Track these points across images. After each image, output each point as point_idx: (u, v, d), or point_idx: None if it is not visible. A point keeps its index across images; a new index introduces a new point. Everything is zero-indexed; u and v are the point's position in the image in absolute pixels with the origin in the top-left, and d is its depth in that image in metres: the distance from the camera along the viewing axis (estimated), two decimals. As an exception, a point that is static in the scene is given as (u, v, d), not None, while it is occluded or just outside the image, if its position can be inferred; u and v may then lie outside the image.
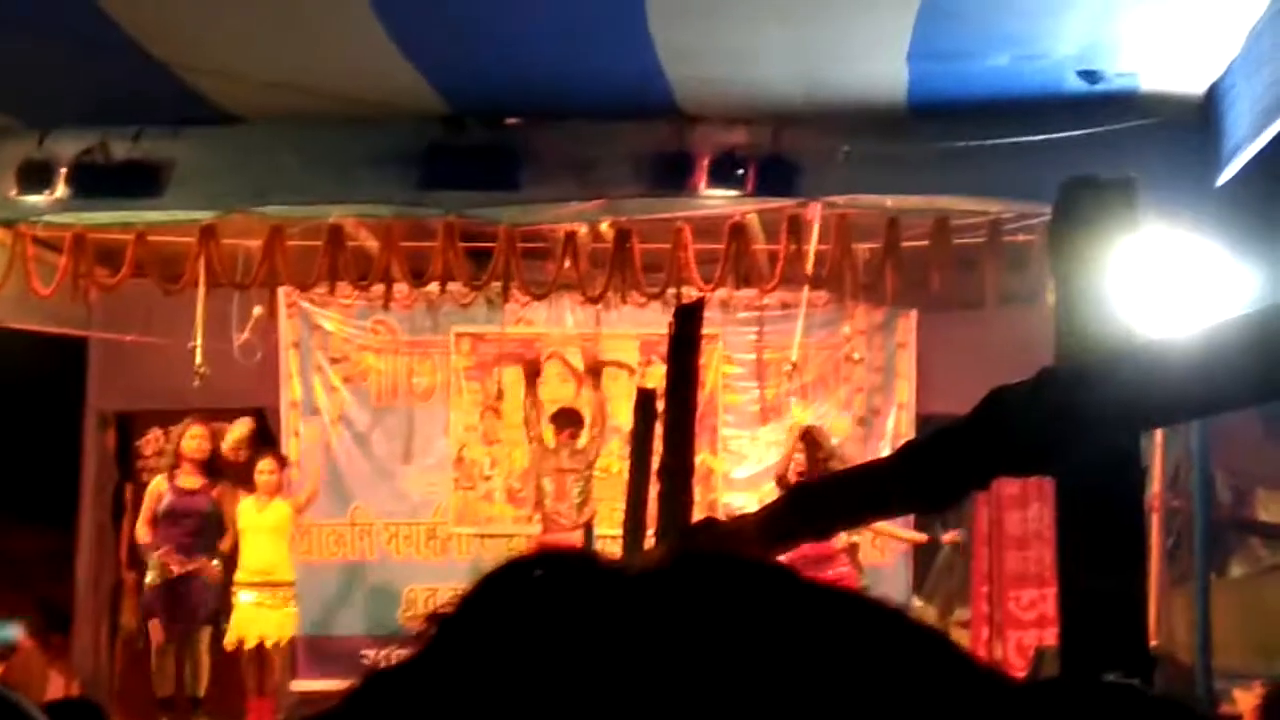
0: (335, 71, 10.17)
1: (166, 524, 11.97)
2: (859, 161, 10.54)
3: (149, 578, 12.01)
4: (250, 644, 12.02)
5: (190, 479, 12.02)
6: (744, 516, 4.13)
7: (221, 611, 12.10)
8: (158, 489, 12.07)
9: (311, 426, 13.25)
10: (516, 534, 12.81)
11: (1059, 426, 2.34)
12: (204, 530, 12.04)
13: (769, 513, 3.86)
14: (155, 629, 11.97)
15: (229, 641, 11.99)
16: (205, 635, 11.98)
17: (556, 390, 13.21)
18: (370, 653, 13.01)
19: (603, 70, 10.13)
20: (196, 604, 11.94)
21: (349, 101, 10.42)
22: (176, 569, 11.88)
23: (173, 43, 9.76)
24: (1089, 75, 9.83)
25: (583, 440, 12.47)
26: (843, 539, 11.30)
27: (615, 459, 12.95)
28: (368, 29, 9.38)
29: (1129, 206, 2.64)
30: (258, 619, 12.07)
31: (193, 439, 12.14)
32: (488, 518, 13.25)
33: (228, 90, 10.45)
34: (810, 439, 11.51)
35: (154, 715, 11.85)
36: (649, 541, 5.85)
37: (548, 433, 12.52)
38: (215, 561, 12.02)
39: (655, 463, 5.58)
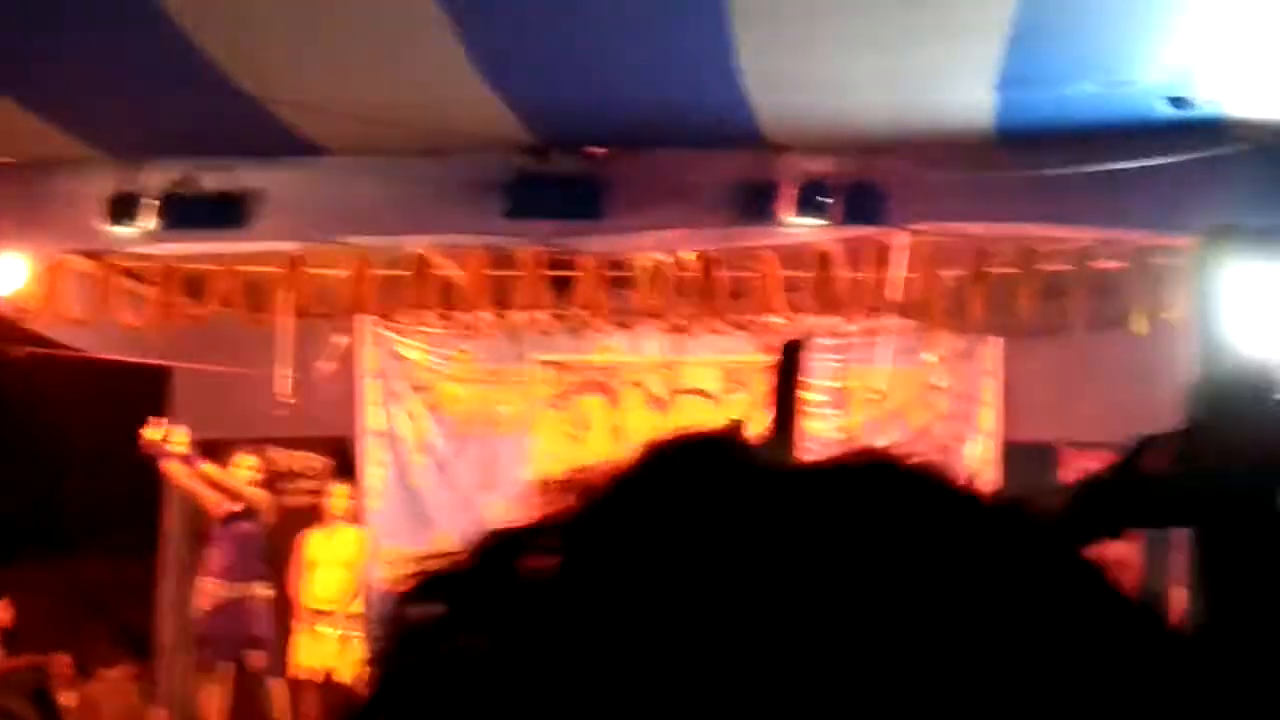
0: (420, 103, 10.19)
1: (216, 547, 12.17)
2: (947, 190, 10.47)
3: (198, 601, 12.18)
4: (318, 676, 12.04)
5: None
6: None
7: (279, 639, 12.21)
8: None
9: (393, 455, 13.28)
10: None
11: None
12: (251, 553, 12.21)
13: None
14: (204, 655, 12.12)
15: (294, 672, 12.02)
16: (266, 662, 12.08)
17: (640, 418, 13.19)
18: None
19: (688, 100, 10.10)
20: (245, 628, 12.05)
21: (434, 133, 10.43)
22: (224, 592, 12.03)
23: (260, 75, 9.81)
24: (1179, 102, 9.75)
25: None
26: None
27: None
28: (453, 60, 9.40)
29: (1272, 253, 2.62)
30: (326, 652, 12.09)
31: (247, 470, 12.44)
32: (571, 546, 13.18)
33: (314, 123, 10.49)
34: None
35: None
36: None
37: None
38: (269, 587, 12.19)
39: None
